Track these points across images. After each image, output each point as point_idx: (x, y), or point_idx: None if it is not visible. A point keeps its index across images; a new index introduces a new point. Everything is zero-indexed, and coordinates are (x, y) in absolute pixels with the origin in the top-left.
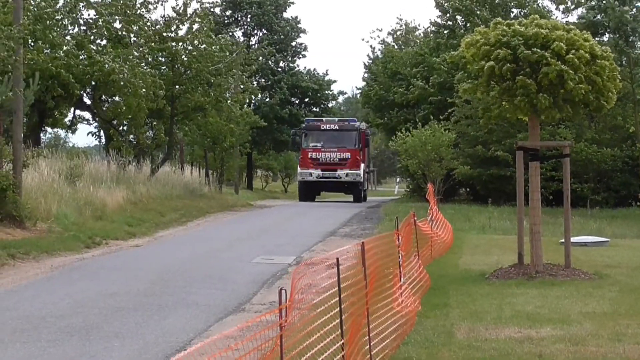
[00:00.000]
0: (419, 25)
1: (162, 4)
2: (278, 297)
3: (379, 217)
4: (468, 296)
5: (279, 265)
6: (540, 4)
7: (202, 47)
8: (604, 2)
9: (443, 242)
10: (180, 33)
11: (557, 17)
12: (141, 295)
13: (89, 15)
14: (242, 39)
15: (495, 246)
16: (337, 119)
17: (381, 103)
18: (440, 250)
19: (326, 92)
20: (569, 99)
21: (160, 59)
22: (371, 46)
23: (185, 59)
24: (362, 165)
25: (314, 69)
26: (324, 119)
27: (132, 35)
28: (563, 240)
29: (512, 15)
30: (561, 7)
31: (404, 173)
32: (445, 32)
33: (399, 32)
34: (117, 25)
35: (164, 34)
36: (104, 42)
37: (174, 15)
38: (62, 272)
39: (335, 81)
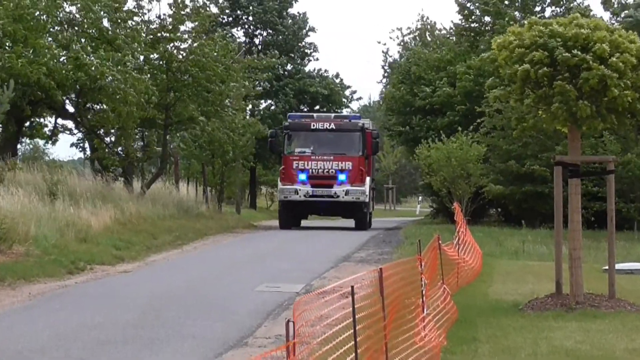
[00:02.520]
0: (435, 24)
1: (158, 1)
2: (285, 330)
3: (399, 241)
4: (499, 330)
5: (285, 294)
6: (581, 3)
7: (197, 47)
8: None
9: (471, 268)
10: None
11: (600, 17)
12: (130, 327)
13: (71, 11)
14: (243, 39)
15: (529, 273)
16: (332, 114)
17: (405, 108)
18: (468, 278)
19: (339, 97)
20: (613, 108)
21: (153, 62)
22: (383, 51)
23: (182, 60)
24: (368, 179)
25: (325, 70)
26: (314, 114)
27: (122, 35)
28: (606, 267)
29: (546, 14)
30: (608, 8)
31: (426, 191)
32: (471, 34)
33: (417, 32)
34: (106, 23)
35: (159, 34)
36: (90, 42)
37: (170, 12)
38: (41, 301)
39: (349, 86)
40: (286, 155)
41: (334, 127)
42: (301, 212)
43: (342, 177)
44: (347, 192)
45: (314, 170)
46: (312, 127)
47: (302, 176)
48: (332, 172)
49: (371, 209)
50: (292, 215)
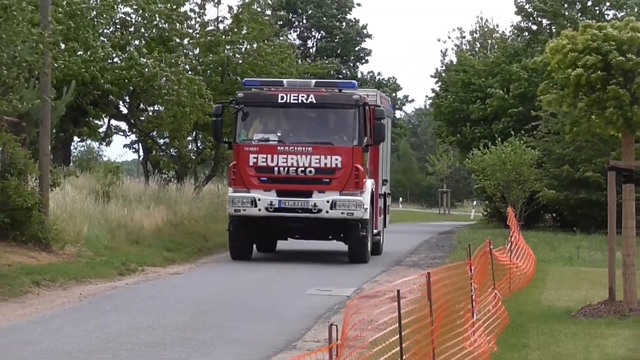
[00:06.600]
0: (497, 26)
1: (216, 5)
2: (328, 333)
3: (452, 245)
4: (551, 336)
5: (336, 298)
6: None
7: (256, 50)
8: None
9: (523, 274)
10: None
11: None
12: (179, 330)
13: (127, 12)
14: (297, 41)
15: (583, 280)
16: (313, 81)
17: (455, 116)
18: (520, 284)
19: (393, 101)
20: None
21: (209, 65)
22: (442, 50)
23: (239, 64)
24: (369, 182)
25: (379, 73)
26: (284, 80)
27: (177, 37)
28: None
29: (607, 18)
30: None
31: (480, 195)
32: (527, 36)
33: (475, 35)
34: (162, 25)
35: (215, 37)
36: (145, 43)
37: (229, 15)
38: (91, 302)
39: (401, 87)
40: (239, 144)
41: (314, 101)
42: (263, 233)
43: (325, 179)
44: (333, 204)
45: (282, 169)
46: (280, 99)
47: (264, 178)
48: (310, 171)
49: (380, 227)
50: (248, 239)
